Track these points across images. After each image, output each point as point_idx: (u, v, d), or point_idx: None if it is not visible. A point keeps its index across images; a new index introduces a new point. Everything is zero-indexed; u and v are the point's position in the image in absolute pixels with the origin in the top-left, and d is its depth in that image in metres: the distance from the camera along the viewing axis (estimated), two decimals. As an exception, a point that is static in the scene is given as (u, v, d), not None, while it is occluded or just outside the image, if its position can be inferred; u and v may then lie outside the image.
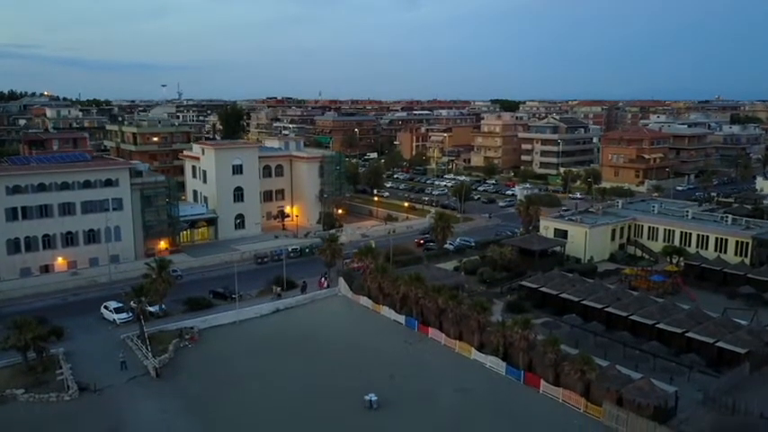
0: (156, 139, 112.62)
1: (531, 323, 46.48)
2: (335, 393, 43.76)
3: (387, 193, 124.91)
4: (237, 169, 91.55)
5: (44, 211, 69.45)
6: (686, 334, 49.92)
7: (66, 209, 70.79)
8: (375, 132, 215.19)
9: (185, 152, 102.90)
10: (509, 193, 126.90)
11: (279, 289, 62.89)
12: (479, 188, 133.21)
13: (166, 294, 55.54)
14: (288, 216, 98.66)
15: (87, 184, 71.79)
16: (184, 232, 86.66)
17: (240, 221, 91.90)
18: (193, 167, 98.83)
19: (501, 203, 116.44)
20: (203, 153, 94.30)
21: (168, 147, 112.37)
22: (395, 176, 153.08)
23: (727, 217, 78.80)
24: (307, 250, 79.65)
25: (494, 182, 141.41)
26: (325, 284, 65.54)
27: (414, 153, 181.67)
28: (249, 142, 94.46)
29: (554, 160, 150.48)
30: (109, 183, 73.11)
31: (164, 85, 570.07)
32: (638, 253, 79.10)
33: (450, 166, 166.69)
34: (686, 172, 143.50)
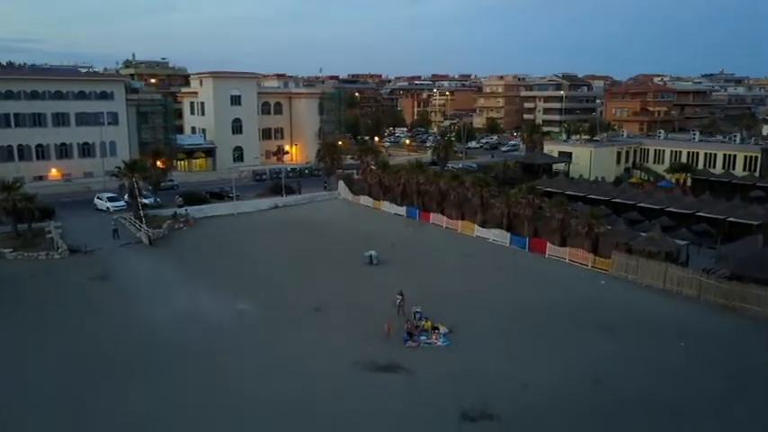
0: (153, 80, 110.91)
1: (535, 190, 45.03)
2: (335, 256, 42.41)
3: (388, 143, 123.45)
4: (236, 100, 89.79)
5: (37, 119, 67.99)
6: (697, 214, 48.48)
7: (61, 119, 69.35)
8: (376, 101, 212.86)
9: (183, 90, 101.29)
10: (512, 143, 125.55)
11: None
12: (482, 140, 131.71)
13: (161, 182, 54.00)
14: (287, 153, 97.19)
15: (82, 95, 70.27)
16: (182, 162, 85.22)
17: (239, 154, 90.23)
18: (191, 104, 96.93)
19: (503, 149, 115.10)
20: (201, 85, 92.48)
21: (166, 89, 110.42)
22: (396, 135, 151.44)
23: (735, 136, 77.32)
24: (306, 171, 78.20)
25: (496, 137, 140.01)
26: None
27: (415, 117, 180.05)
28: (247, 72, 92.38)
29: (557, 117, 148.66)
30: (104, 95, 71.59)
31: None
32: (645, 177, 77.59)
33: (452, 128, 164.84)
34: (691, 128, 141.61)
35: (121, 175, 48.42)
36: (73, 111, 69.93)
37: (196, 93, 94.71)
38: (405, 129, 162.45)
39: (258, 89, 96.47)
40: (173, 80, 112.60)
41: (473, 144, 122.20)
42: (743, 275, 33.37)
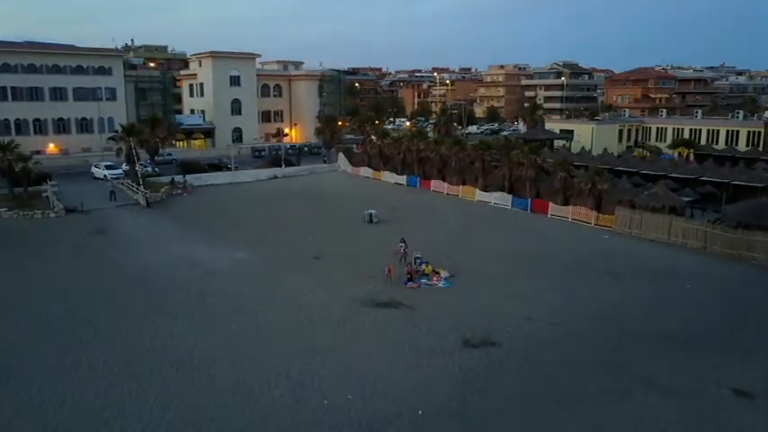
0: (152, 64, 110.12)
1: (538, 151, 44.48)
2: (334, 218, 41.89)
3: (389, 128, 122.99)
4: (235, 80, 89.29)
5: (35, 93, 67.40)
6: (701, 178, 47.90)
7: (58, 94, 68.77)
8: (376, 93, 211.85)
9: (182, 72, 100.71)
10: (513, 129, 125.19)
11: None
12: (483, 126, 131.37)
13: (158, 152, 53.44)
14: (286, 135, 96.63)
15: (79, 70, 69.68)
16: (181, 143, 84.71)
17: (238, 135, 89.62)
18: (191, 86, 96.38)
19: (504, 133, 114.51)
20: (200, 65, 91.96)
21: (165, 72, 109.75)
22: (397, 123, 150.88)
23: (738, 113, 76.82)
24: (305, 149, 77.66)
25: (497, 124, 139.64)
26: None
27: (415, 107, 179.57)
28: (246, 52, 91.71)
29: (558, 105, 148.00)
30: (102, 71, 71.02)
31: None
32: (646, 154, 76.98)
33: (453, 116, 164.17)
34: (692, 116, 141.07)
35: (119, 138, 47.80)
36: (71, 85, 69.40)
37: (195, 75, 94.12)
38: (405, 119, 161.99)
39: (258, 71, 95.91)
40: (172, 64, 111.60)
41: (474, 129, 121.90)
42: (749, 224, 32.81)
